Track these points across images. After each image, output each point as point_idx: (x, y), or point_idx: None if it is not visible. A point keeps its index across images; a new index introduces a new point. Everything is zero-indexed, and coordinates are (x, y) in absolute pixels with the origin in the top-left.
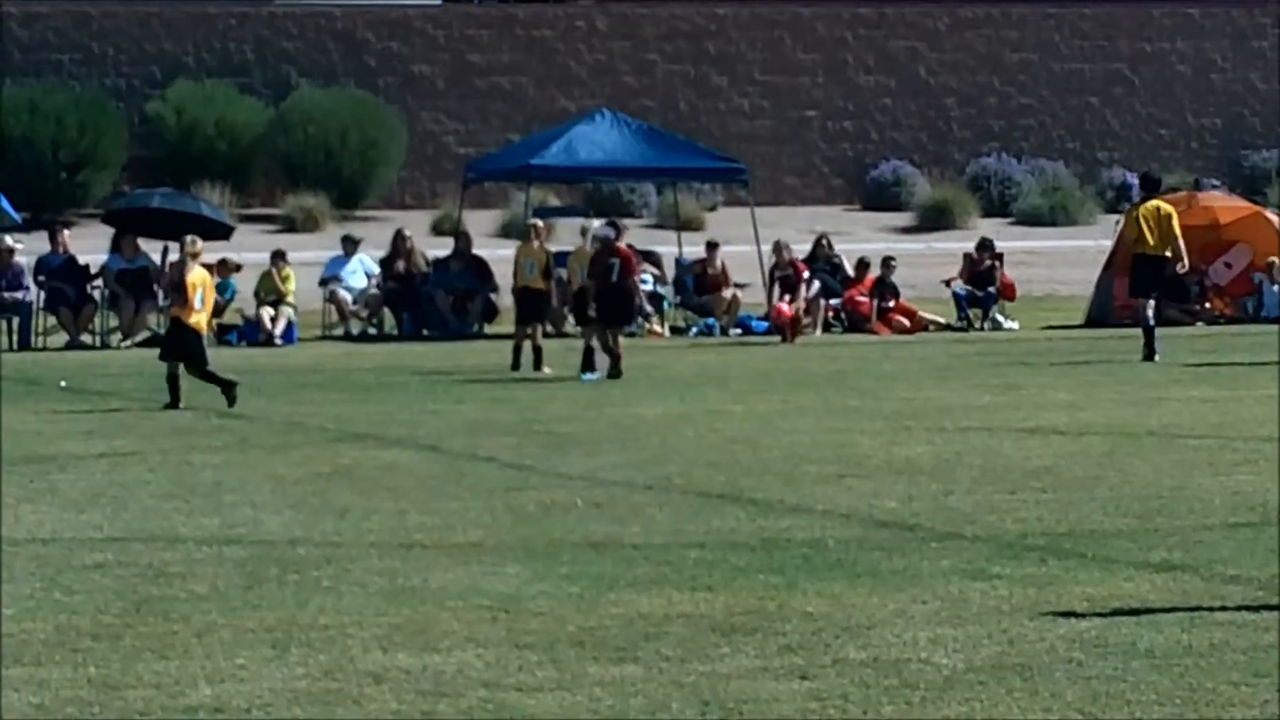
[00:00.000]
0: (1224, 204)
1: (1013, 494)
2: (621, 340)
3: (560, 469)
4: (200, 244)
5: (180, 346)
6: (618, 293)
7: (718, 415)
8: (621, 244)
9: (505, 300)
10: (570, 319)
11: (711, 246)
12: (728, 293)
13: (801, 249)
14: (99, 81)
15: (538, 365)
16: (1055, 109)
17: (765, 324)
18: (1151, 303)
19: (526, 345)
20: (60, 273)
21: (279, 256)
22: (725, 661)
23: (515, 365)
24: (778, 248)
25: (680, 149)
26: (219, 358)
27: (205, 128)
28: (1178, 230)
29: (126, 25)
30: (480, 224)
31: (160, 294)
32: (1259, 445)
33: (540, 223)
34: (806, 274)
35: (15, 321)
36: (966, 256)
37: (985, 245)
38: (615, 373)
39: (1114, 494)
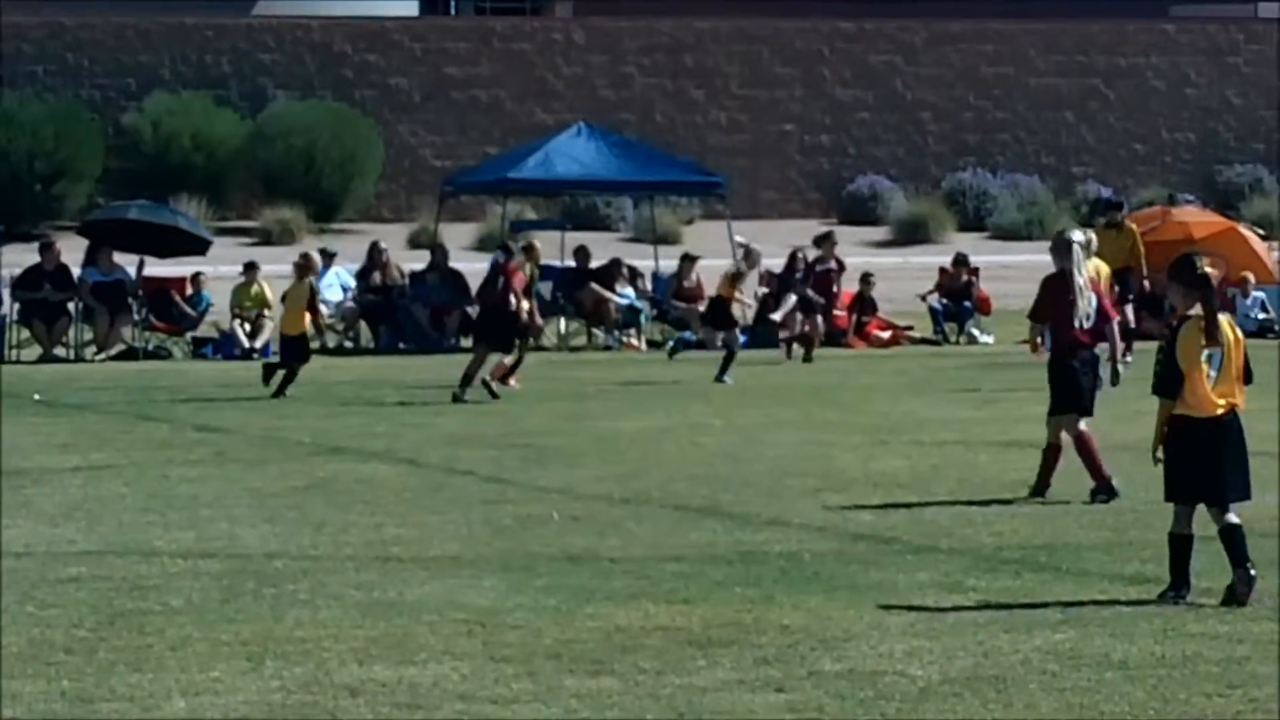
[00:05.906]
0: (1198, 219)
1: (989, 507)
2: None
3: (539, 482)
4: None
5: None
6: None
7: (699, 429)
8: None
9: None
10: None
11: (687, 259)
12: (703, 306)
13: (776, 263)
14: (75, 93)
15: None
16: (1031, 124)
17: (744, 337)
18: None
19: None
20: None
21: (251, 268)
22: (702, 674)
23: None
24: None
25: (658, 162)
26: (194, 371)
27: (182, 140)
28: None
29: (102, 36)
30: (457, 237)
31: (135, 307)
32: None
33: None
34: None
35: None
36: (942, 270)
37: (961, 260)
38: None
39: (1089, 507)
